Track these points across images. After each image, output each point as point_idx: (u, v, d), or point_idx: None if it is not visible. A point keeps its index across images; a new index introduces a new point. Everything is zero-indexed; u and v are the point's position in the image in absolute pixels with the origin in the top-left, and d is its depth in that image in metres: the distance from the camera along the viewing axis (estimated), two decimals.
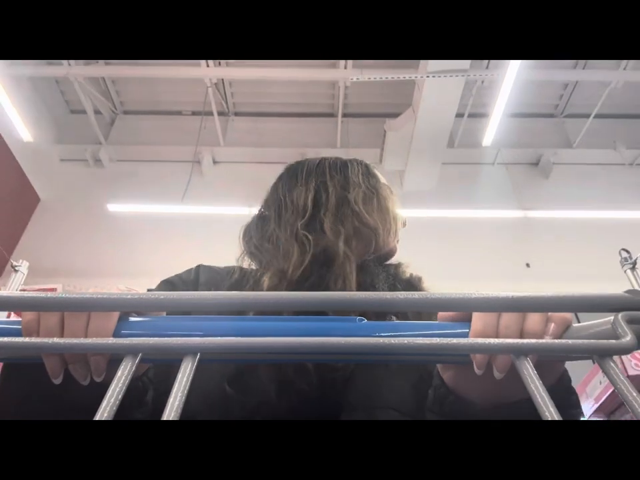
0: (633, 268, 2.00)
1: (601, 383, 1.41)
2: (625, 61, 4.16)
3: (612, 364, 0.26)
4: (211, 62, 4.11)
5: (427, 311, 0.30)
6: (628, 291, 0.29)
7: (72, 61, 4.05)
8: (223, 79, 4.50)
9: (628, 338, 0.27)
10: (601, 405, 1.41)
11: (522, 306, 0.29)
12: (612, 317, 0.29)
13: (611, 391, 1.35)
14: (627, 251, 2.06)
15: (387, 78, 3.66)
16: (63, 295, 0.29)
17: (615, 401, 1.38)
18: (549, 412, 0.25)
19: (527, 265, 4.02)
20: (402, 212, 0.74)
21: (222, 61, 4.36)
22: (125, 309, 0.34)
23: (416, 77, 3.68)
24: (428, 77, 3.53)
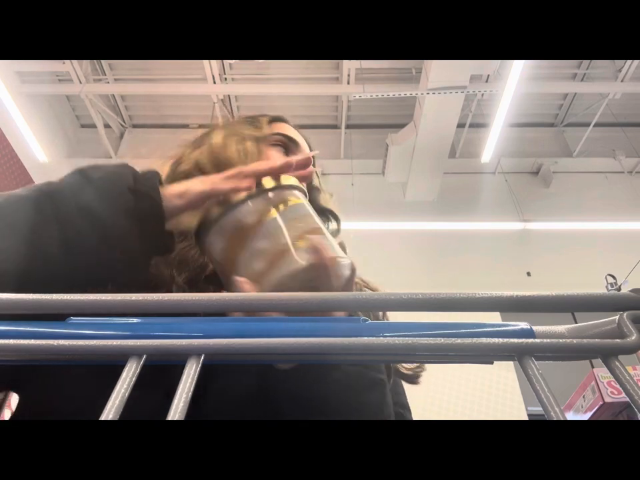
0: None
1: (585, 399, 1.38)
2: (623, 72, 4.18)
3: (617, 363, 0.26)
4: (217, 79, 4.19)
5: (430, 310, 0.30)
6: (633, 290, 0.29)
7: (83, 78, 4.15)
8: (229, 94, 4.58)
9: (633, 337, 0.27)
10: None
11: (527, 305, 0.29)
12: (617, 317, 0.29)
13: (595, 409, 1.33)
14: (613, 277, 2.07)
15: (388, 95, 3.69)
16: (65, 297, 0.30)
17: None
18: (555, 412, 0.25)
19: (528, 273, 3.99)
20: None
21: (228, 77, 4.43)
22: (129, 311, 0.34)
23: (417, 94, 3.71)
24: (428, 93, 3.56)
